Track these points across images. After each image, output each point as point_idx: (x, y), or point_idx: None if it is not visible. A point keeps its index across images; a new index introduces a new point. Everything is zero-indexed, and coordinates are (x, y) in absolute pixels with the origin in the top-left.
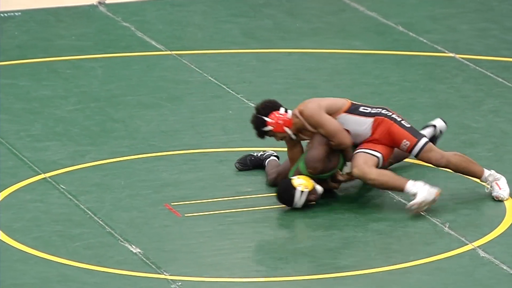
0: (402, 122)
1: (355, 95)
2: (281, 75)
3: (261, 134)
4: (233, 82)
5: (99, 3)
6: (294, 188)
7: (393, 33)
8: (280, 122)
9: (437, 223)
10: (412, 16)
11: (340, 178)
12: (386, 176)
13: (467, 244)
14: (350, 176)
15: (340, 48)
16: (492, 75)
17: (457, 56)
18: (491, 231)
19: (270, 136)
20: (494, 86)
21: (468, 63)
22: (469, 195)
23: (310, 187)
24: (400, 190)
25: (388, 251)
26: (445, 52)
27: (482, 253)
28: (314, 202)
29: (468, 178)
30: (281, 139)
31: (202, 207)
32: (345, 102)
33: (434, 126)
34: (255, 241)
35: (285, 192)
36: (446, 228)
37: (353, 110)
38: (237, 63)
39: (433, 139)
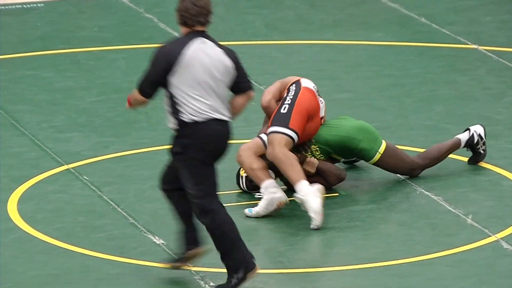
0: (283, 106)
1: (377, 86)
2: (303, 67)
3: None
4: (255, 73)
5: None
6: (239, 174)
7: (415, 24)
8: None
9: (460, 214)
10: (434, 8)
11: (309, 169)
12: (289, 160)
13: (490, 235)
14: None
15: (362, 40)
16: None
17: (480, 47)
18: None
19: None
20: None
21: (490, 54)
22: (492, 186)
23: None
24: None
25: (411, 243)
26: (467, 44)
27: (505, 245)
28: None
29: (491, 169)
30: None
31: (224, 198)
32: (290, 80)
33: (469, 129)
34: (277, 232)
35: (236, 179)
36: (469, 220)
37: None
38: (259, 55)
39: (471, 143)
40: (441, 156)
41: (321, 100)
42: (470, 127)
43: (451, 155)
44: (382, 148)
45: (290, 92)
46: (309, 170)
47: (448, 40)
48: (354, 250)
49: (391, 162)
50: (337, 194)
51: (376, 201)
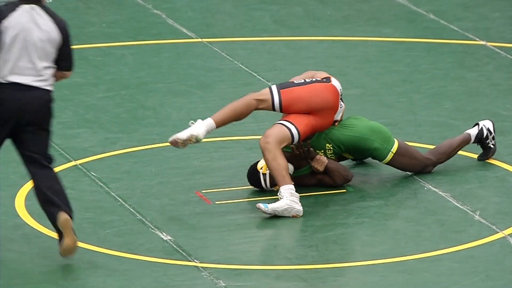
0: (300, 80)
1: (386, 82)
2: (312, 63)
3: None
4: (263, 69)
5: None
6: (258, 172)
7: (424, 20)
8: None
9: (468, 211)
10: (443, 4)
11: (318, 167)
12: (278, 164)
13: (498, 232)
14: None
15: (371, 36)
16: None
17: (488, 44)
18: None
19: None
20: None
21: (499, 51)
22: (500, 183)
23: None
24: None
25: (419, 239)
26: (476, 40)
27: None
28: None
29: (499, 166)
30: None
31: (232, 194)
32: (322, 75)
33: (477, 124)
34: (286, 228)
35: (251, 176)
36: (477, 216)
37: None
38: (267, 51)
39: (481, 137)
40: (452, 152)
41: (341, 104)
42: (479, 122)
43: (459, 152)
44: (394, 148)
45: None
46: (317, 168)
47: (456, 37)
48: (362, 247)
49: (403, 161)
50: (345, 190)
51: (384, 197)
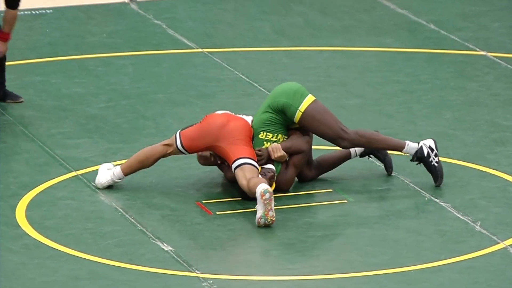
0: None
1: (386, 93)
2: (312, 73)
3: None
4: (264, 79)
5: (131, 0)
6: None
7: (424, 30)
8: None
9: (468, 221)
10: (443, 14)
11: (278, 156)
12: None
13: (499, 242)
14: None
15: (371, 46)
16: None
17: (488, 54)
18: None
19: None
20: None
21: (499, 61)
22: (500, 193)
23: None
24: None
25: (419, 249)
26: (476, 50)
27: None
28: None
29: (499, 176)
30: None
31: (233, 205)
32: None
33: (418, 143)
34: (287, 239)
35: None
36: (478, 227)
37: None
38: (268, 61)
39: (421, 156)
40: (373, 136)
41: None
42: (419, 142)
43: (459, 162)
44: (303, 107)
45: None
46: (278, 156)
47: (456, 47)
48: (363, 257)
49: (315, 125)
50: (345, 201)
51: (384, 207)
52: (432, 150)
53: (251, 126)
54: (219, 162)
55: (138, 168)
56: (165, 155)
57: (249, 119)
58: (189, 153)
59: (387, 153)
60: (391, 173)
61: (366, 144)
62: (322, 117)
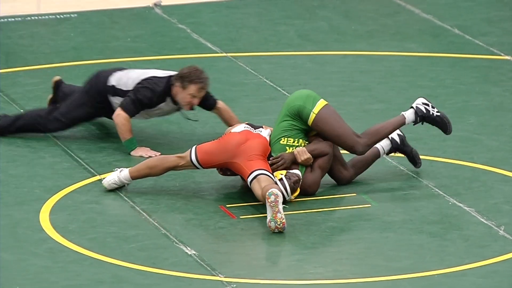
0: None
1: (410, 97)
2: (336, 77)
3: None
4: (288, 84)
5: (155, 4)
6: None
7: (448, 35)
8: None
9: (492, 226)
10: (468, 19)
11: (304, 159)
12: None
13: None
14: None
15: (395, 51)
16: None
17: None
18: None
19: None
20: None
21: None
22: None
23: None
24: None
25: (443, 254)
26: (500, 55)
27: None
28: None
29: None
30: None
31: (257, 209)
32: None
33: (411, 107)
34: (310, 243)
35: None
36: (501, 231)
37: None
38: (292, 65)
39: (422, 114)
40: (385, 131)
41: (260, 130)
42: (412, 104)
43: (483, 167)
44: (316, 108)
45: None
46: (305, 160)
47: (481, 51)
48: (387, 261)
49: (327, 128)
50: (369, 205)
51: (408, 212)
52: (427, 104)
53: (270, 137)
54: (228, 173)
55: (145, 174)
56: (175, 167)
57: (267, 131)
58: (203, 167)
59: (411, 146)
60: (420, 165)
61: (378, 138)
62: (335, 120)
